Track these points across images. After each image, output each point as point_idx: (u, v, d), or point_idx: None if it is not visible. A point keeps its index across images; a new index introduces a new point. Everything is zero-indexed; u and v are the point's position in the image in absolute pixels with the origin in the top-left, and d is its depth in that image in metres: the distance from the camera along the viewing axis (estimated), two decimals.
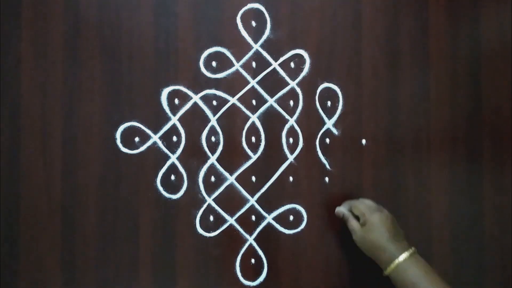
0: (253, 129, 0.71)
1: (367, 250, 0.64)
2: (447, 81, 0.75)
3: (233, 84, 0.71)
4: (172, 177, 0.69)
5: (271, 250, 0.71)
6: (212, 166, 0.70)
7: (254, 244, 0.70)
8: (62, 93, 0.68)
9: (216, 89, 0.70)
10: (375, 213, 0.63)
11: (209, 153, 0.70)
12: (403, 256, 0.60)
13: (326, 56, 0.73)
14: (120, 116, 0.69)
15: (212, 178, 0.70)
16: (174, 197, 0.69)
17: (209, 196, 0.70)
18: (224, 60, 0.71)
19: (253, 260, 0.70)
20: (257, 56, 0.71)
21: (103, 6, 0.69)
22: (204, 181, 0.70)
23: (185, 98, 0.70)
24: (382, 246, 0.61)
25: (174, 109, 0.70)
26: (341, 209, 0.68)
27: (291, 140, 0.72)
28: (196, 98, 0.70)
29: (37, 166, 0.67)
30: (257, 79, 0.71)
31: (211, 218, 0.70)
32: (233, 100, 0.71)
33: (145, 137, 0.69)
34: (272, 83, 0.72)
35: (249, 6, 0.71)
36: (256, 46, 0.72)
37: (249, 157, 0.71)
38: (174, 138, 0.70)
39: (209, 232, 0.70)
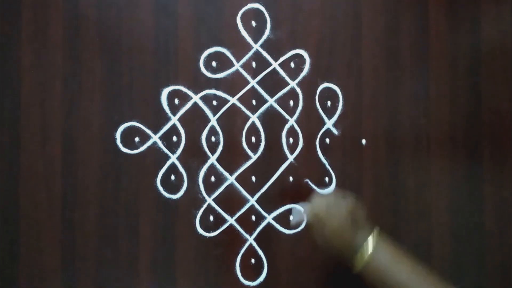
0: (253, 129, 0.71)
1: (331, 253, 0.59)
2: (447, 81, 0.75)
3: (233, 84, 0.71)
4: (172, 177, 0.69)
5: (271, 250, 0.71)
6: (212, 166, 0.70)
7: (254, 244, 0.70)
8: (62, 93, 0.68)
9: (216, 89, 0.70)
10: (310, 223, 0.60)
11: (209, 153, 0.70)
12: (367, 251, 0.55)
13: (326, 56, 0.73)
14: (120, 116, 0.69)
15: (212, 178, 0.70)
16: (174, 197, 0.69)
17: (209, 196, 0.70)
18: (224, 60, 0.71)
19: (253, 260, 0.70)
20: (257, 56, 0.71)
21: (103, 6, 0.69)
22: (204, 181, 0.70)
23: (185, 98, 0.70)
24: (336, 251, 0.57)
25: (174, 109, 0.70)
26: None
27: (291, 140, 0.72)
28: (196, 98, 0.70)
29: (37, 166, 0.67)
30: (257, 79, 0.71)
31: (211, 218, 0.70)
32: (233, 100, 0.71)
33: (145, 137, 0.69)
34: (272, 83, 0.72)
35: (249, 6, 0.71)
36: (256, 46, 0.72)
37: (249, 157, 0.71)
38: (174, 138, 0.70)
39: (209, 232, 0.70)
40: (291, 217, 0.70)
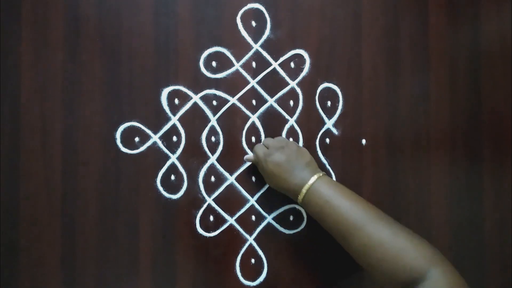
0: (253, 129, 0.71)
1: (277, 188, 0.64)
2: (447, 81, 0.75)
3: (233, 84, 0.71)
4: (172, 177, 0.69)
5: (271, 250, 0.71)
6: (212, 166, 0.70)
7: (254, 244, 0.70)
8: (62, 93, 0.68)
9: (216, 89, 0.70)
10: (266, 160, 0.63)
11: (209, 153, 0.70)
12: (310, 182, 0.59)
13: (326, 56, 0.73)
14: (120, 116, 0.69)
15: (212, 178, 0.70)
16: (174, 197, 0.69)
17: (209, 196, 0.70)
18: (224, 60, 0.71)
19: (253, 260, 0.70)
20: (257, 56, 0.71)
21: (103, 6, 0.69)
22: (204, 181, 0.70)
23: (185, 98, 0.70)
24: (285, 187, 0.62)
25: (174, 109, 0.70)
26: (248, 157, 0.70)
27: (291, 140, 0.72)
28: (196, 98, 0.70)
29: (37, 166, 0.67)
30: (257, 79, 0.71)
31: (211, 218, 0.70)
32: (233, 100, 0.71)
33: (145, 137, 0.69)
34: (272, 83, 0.72)
35: (249, 6, 0.71)
36: (256, 46, 0.72)
37: None
38: (174, 138, 0.70)
39: (209, 232, 0.70)
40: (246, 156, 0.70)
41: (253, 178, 0.71)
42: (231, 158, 0.71)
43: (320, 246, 0.72)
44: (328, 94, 0.73)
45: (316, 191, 0.59)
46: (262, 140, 0.70)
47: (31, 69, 0.67)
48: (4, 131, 0.67)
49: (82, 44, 0.68)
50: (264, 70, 0.72)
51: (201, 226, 0.70)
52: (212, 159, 0.70)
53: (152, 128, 0.69)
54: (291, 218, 0.71)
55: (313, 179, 0.60)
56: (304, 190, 0.60)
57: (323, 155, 0.72)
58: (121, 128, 0.69)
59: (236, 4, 0.71)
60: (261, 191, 0.71)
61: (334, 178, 0.72)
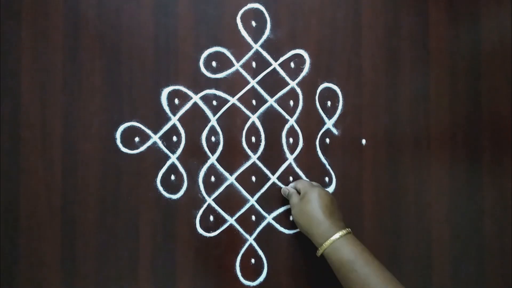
0: (253, 129, 0.71)
1: (303, 224, 0.62)
2: (447, 81, 0.75)
3: (233, 84, 0.71)
4: (172, 177, 0.69)
5: (271, 250, 0.71)
6: (212, 166, 0.70)
7: (254, 244, 0.70)
8: (62, 93, 0.68)
9: (216, 89, 0.70)
10: (315, 188, 0.64)
11: (209, 153, 0.70)
12: (338, 234, 0.58)
13: (326, 56, 0.73)
14: (120, 116, 0.69)
15: (212, 178, 0.70)
16: (174, 197, 0.69)
17: (209, 196, 0.70)
18: (224, 60, 0.71)
19: (253, 260, 0.70)
20: (257, 56, 0.71)
21: (103, 6, 0.69)
22: (204, 181, 0.70)
23: (185, 98, 0.70)
24: (317, 220, 0.60)
25: (174, 109, 0.70)
26: (287, 188, 0.70)
27: (291, 140, 0.72)
28: (196, 98, 0.70)
29: (37, 166, 0.67)
30: (257, 79, 0.71)
31: (211, 218, 0.70)
32: (233, 100, 0.71)
33: (145, 137, 0.69)
34: (272, 83, 0.72)
35: (249, 6, 0.71)
36: (256, 46, 0.72)
37: (249, 157, 0.71)
38: (174, 138, 0.70)
39: (209, 232, 0.70)
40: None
41: (253, 178, 0.71)
42: (231, 158, 0.71)
43: None
44: (328, 94, 0.73)
45: (339, 248, 0.57)
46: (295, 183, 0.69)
47: (31, 69, 0.67)
48: (4, 131, 0.67)
49: (82, 44, 0.68)
50: (264, 70, 0.72)
51: (201, 226, 0.70)
52: (212, 159, 0.70)
53: (152, 128, 0.69)
54: (291, 218, 0.71)
55: (339, 233, 0.58)
56: (325, 245, 0.59)
57: (323, 155, 0.72)
58: (121, 128, 0.69)
59: (236, 4, 0.71)
60: (261, 191, 0.71)
61: (334, 178, 0.72)
